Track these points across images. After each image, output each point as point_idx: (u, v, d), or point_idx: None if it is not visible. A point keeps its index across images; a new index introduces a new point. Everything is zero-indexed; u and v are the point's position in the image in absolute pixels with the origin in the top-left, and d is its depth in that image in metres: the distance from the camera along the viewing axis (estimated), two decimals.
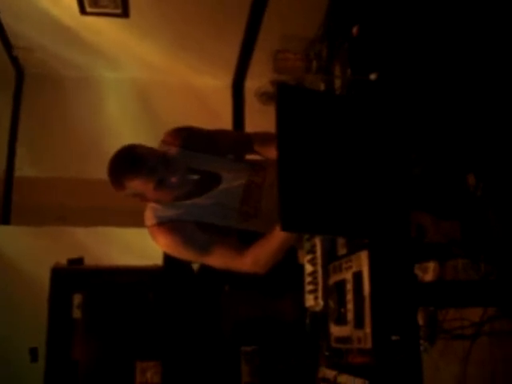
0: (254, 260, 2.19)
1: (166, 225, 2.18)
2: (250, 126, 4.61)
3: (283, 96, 1.72)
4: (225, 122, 4.62)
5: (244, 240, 2.22)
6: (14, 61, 4.38)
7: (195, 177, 2.16)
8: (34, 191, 4.12)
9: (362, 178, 1.74)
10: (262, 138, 2.46)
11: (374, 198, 1.73)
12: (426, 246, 1.95)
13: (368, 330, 1.63)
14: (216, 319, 3.86)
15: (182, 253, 2.22)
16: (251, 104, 4.59)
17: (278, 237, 2.12)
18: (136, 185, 2.05)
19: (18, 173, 4.21)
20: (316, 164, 1.72)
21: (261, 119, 4.53)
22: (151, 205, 2.22)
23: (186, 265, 3.15)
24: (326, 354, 2.05)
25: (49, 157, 4.25)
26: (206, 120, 4.55)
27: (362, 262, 1.67)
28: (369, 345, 1.62)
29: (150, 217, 2.21)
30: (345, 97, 1.90)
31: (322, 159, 1.73)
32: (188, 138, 2.29)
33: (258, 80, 4.51)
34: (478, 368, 2.60)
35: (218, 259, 2.22)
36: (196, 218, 2.20)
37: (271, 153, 2.34)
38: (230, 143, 2.41)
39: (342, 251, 1.98)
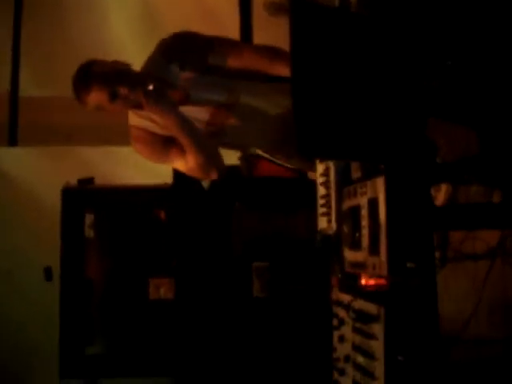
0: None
1: (136, 129, 2.41)
2: (258, 39, 4.45)
3: (297, 12, 1.63)
4: (232, 35, 4.47)
5: None
6: None
7: (150, 87, 2.25)
8: (39, 111, 4.05)
9: (379, 100, 1.68)
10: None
11: (390, 120, 1.67)
12: (440, 167, 1.90)
13: (383, 257, 1.61)
14: (227, 236, 3.88)
15: (147, 152, 2.44)
16: (259, 15, 4.42)
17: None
18: (92, 99, 2.24)
19: (22, 93, 4.13)
20: (331, 85, 1.65)
21: (269, 31, 4.40)
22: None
23: (196, 182, 3.13)
24: (339, 276, 2.05)
25: (53, 76, 4.13)
26: (212, 33, 4.41)
27: (378, 188, 1.63)
28: (384, 272, 1.61)
29: (129, 117, 2.42)
30: (362, 15, 1.81)
31: (338, 80, 1.65)
32: (175, 47, 2.36)
33: None
34: (490, 286, 2.61)
35: (177, 163, 2.43)
36: (159, 130, 2.37)
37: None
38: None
39: (356, 174, 1.94)
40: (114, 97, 2.21)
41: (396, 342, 1.56)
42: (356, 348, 1.75)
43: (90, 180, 3.78)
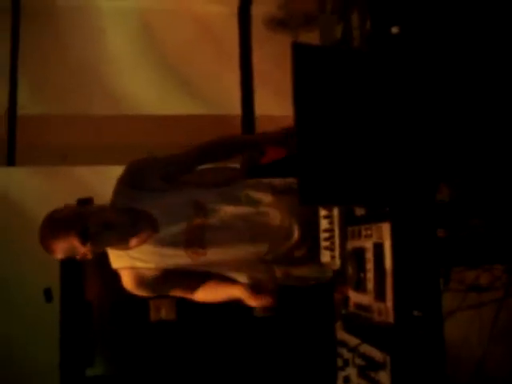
0: (203, 298, 2.38)
1: (123, 271, 2.28)
2: (258, 55, 4.44)
3: (300, 58, 1.60)
4: (231, 51, 4.45)
5: None
6: None
7: (125, 217, 2.16)
8: (37, 130, 4.01)
9: (384, 143, 1.65)
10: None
11: (396, 163, 1.65)
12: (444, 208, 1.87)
13: (389, 304, 1.59)
14: None
15: (142, 293, 2.32)
16: (258, 31, 4.39)
17: (231, 293, 2.36)
18: (63, 247, 2.05)
19: (20, 111, 4.09)
20: (335, 130, 1.62)
21: (268, 47, 4.39)
22: (108, 251, 2.28)
23: None
24: (343, 312, 2.03)
25: (51, 94, 4.11)
26: (210, 49, 4.41)
27: (384, 234, 1.61)
28: (390, 319, 1.59)
29: (111, 260, 2.30)
30: (364, 53, 1.78)
31: (341, 125, 1.63)
32: (137, 173, 2.24)
33: (265, 5, 4.31)
34: (493, 313, 2.60)
35: (175, 294, 2.37)
36: (146, 265, 2.24)
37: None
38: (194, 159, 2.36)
39: (360, 211, 1.92)
40: (85, 237, 2.04)
41: None
42: None
43: (89, 200, 3.75)
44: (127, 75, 4.21)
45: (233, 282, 2.37)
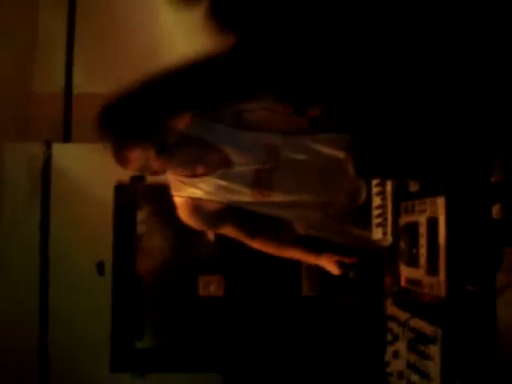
0: (259, 247, 2.54)
1: (181, 199, 2.33)
2: None
3: None
4: None
5: None
6: None
7: (196, 143, 2.23)
8: (92, 108, 4.08)
9: (442, 118, 1.64)
10: None
11: (453, 138, 1.64)
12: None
13: (442, 277, 1.59)
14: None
15: (197, 224, 2.40)
16: None
17: (290, 253, 2.56)
18: (139, 156, 2.11)
19: (76, 90, 4.18)
20: (391, 104, 1.63)
21: None
22: (170, 178, 2.35)
23: None
24: (394, 288, 2.04)
25: (105, 73, 4.17)
26: None
27: (438, 209, 1.61)
28: (442, 293, 1.59)
29: (171, 187, 2.37)
30: None
31: (398, 98, 1.63)
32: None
33: None
34: None
35: (231, 234, 2.46)
36: (208, 197, 2.30)
37: None
38: None
39: (413, 187, 1.91)
40: (162, 148, 2.10)
41: (453, 364, 1.55)
42: (411, 366, 1.73)
43: (142, 177, 3.82)
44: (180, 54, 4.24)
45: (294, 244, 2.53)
